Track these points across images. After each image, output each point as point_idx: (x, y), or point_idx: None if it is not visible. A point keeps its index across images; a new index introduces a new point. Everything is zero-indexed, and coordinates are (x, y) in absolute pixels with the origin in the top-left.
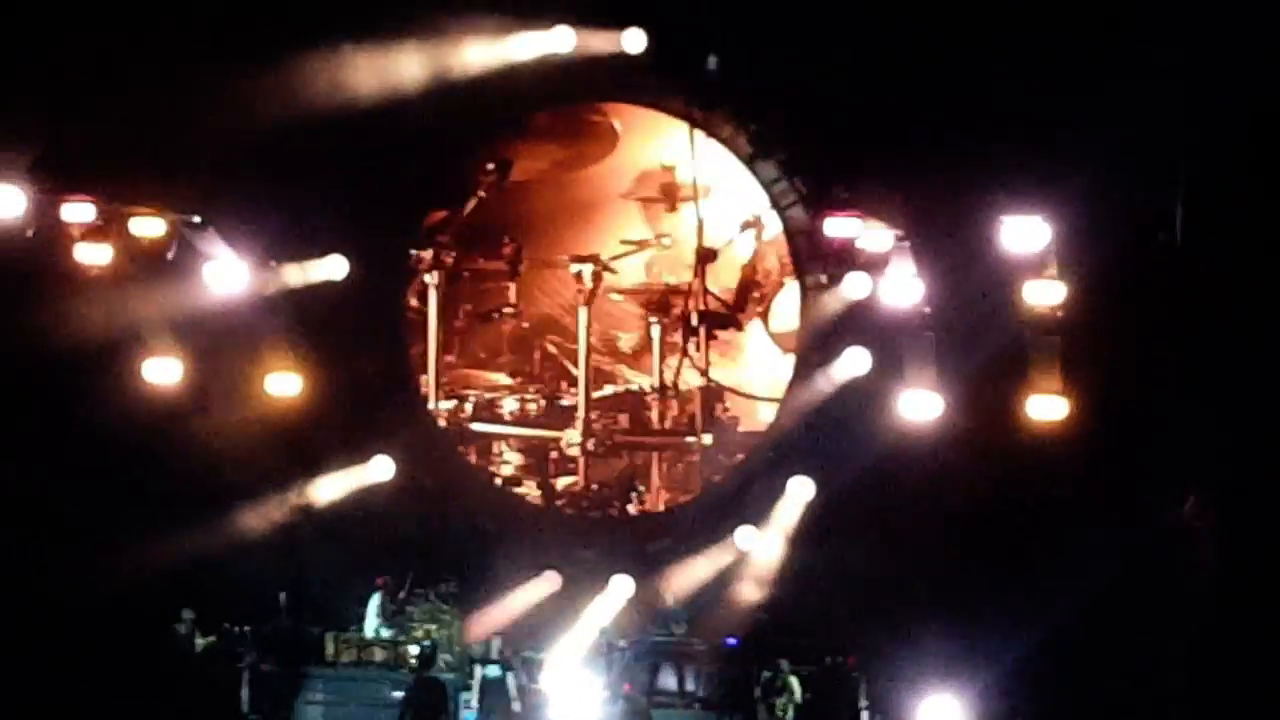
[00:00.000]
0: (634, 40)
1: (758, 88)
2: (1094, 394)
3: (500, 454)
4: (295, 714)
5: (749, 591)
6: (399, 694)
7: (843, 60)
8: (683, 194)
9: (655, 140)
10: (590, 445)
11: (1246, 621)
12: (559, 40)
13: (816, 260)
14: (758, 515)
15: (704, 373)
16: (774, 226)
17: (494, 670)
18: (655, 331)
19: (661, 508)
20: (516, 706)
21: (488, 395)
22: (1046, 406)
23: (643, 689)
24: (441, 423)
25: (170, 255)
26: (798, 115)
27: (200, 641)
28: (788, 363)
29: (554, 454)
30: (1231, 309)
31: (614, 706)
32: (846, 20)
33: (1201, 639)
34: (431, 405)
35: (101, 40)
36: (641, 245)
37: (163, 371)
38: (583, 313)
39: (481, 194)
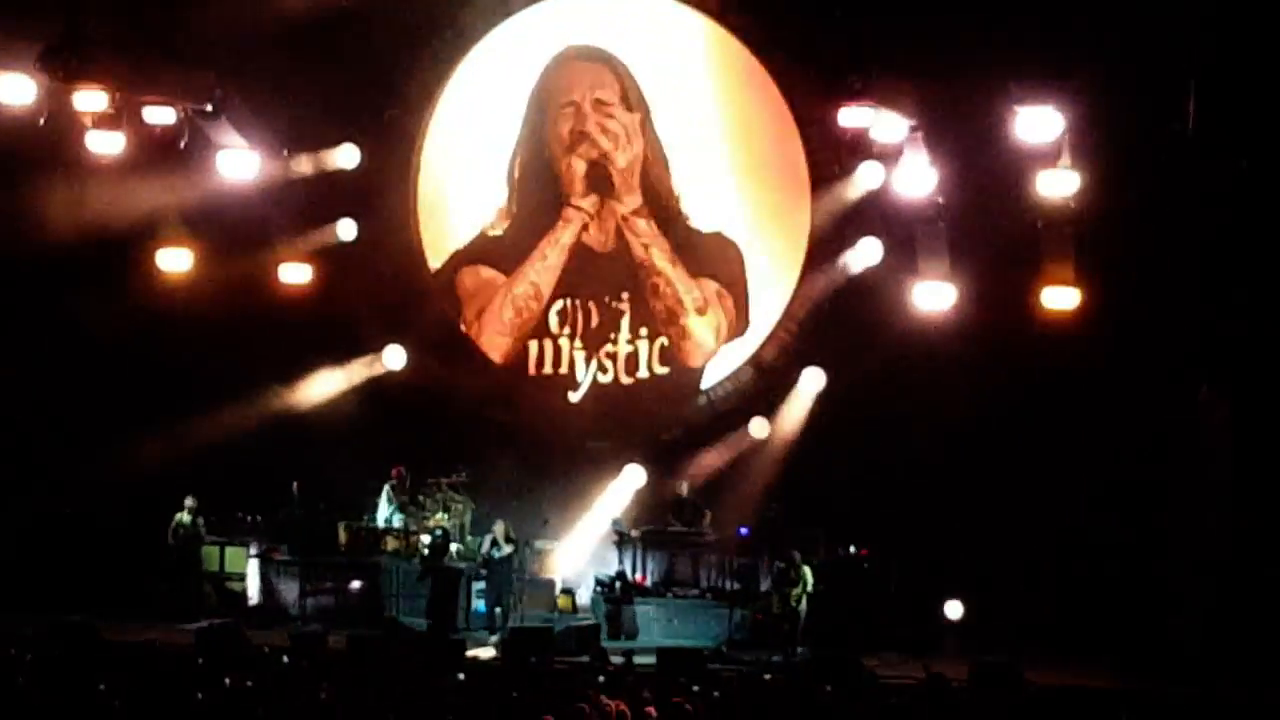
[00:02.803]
0: None
1: None
2: (1106, 284)
3: None
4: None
5: (762, 482)
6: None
7: None
8: None
9: None
10: None
11: (1260, 513)
12: None
13: (828, 150)
14: (770, 406)
15: None
16: None
17: (500, 551)
18: None
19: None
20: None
21: None
22: (1059, 297)
23: (654, 580)
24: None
25: (182, 144)
26: (811, 4)
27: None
28: None
29: None
30: (1243, 198)
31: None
32: None
33: (1215, 531)
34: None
35: None
36: None
37: (175, 261)
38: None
39: None
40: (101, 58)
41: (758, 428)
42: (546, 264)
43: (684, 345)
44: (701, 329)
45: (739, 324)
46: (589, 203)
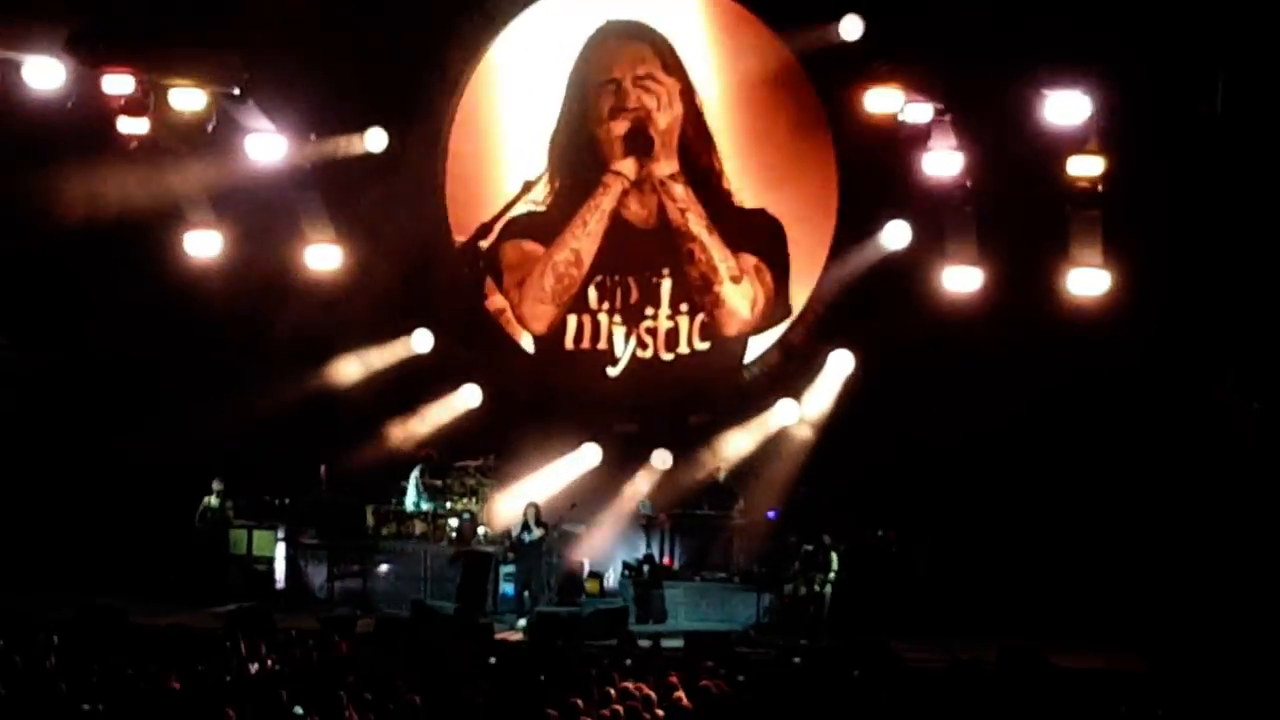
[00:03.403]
0: None
1: None
2: (1134, 268)
3: None
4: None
5: (789, 465)
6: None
7: None
8: None
9: None
10: None
11: None
12: None
13: (855, 134)
14: (798, 389)
15: None
16: None
17: (530, 535)
18: None
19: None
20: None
21: None
22: (1087, 280)
23: (681, 563)
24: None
25: (210, 128)
26: None
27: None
28: None
29: None
30: (1272, 181)
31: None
32: None
33: (1238, 517)
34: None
35: None
36: None
37: (203, 244)
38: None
39: None
40: (129, 41)
41: (786, 411)
42: (587, 231)
43: (718, 314)
44: (736, 297)
45: (779, 306)
46: (628, 166)
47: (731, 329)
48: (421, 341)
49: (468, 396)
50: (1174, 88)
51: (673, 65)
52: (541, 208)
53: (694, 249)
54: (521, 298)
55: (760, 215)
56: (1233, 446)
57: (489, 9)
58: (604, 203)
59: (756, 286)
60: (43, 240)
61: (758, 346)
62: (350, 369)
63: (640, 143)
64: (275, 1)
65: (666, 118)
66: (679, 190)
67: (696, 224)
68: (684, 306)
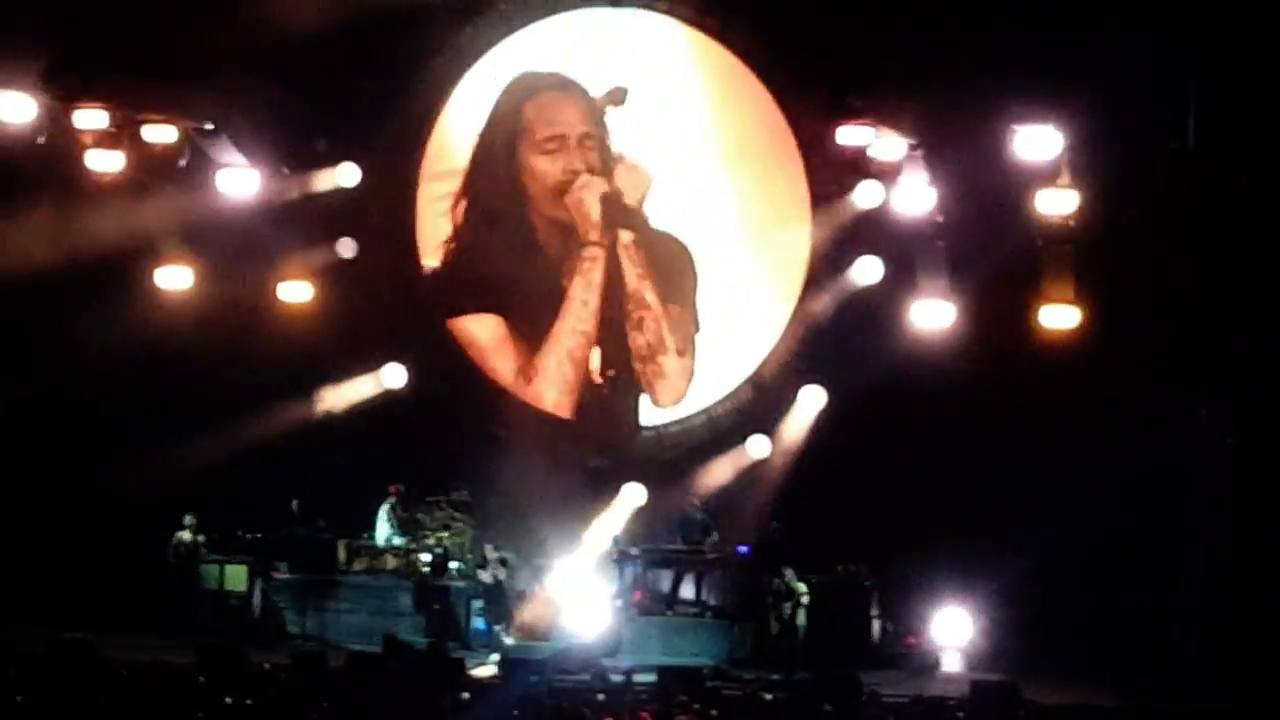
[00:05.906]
0: None
1: None
2: (1106, 303)
3: None
4: (307, 621)
5: (762, 500)
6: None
7: None
8: None
9: None
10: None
11: (1260, 532)
12: None
13: (828, 169)
14: (770, 424)
15: None
16: None
17: (487, 572)
18: None
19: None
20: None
21: None
22: (1059, 315)
23: (654, 597)
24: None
25: (183, 162)
26: (810, 23)
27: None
28: None
29: None
30: (1243, 216)
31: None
32: None
33: (1215, 550)
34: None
35: None
36: None
37: (175, 279)
38: None
39: None
40: (102, 76)
41: (757, 446)
42: (588, 310)
43: (658, 384)
44: (677, 372)
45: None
46: (605, 235)
47: (666, 400)
48: (394, 376)
49: (440, 429)
50: (1145, 123)
51: (600, 119)
52: (435, 262)
53: (645, 317)
54: (537, 381)
55: (670, 242)
56: (1207, 481)
57: (459, 45)
58: (594, 278)
59: (692, 358)
60: (14, 274)
61: (729, 383)
62: (323, 403)
63: (618, 215)
64: (247, 37)
65: (637, 195)
66: (641, 256)
67: (650, 292)
68: (610, 372)
